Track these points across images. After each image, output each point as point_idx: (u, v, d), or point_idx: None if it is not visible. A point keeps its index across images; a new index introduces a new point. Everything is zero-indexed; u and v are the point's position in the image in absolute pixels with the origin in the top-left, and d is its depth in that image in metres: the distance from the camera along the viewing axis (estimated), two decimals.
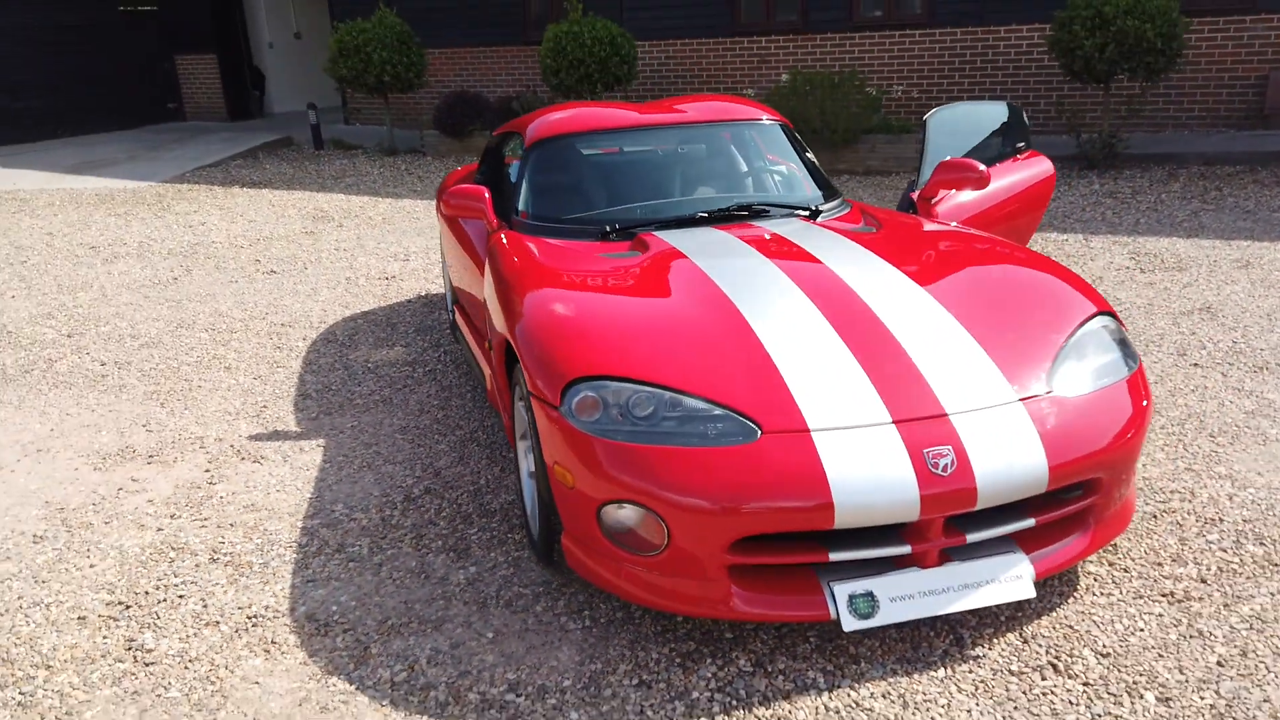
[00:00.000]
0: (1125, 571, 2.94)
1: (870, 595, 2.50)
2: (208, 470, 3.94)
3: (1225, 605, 2.75)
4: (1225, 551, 3.01)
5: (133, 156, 13.74)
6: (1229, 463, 3.58)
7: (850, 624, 2.47)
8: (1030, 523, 2.60)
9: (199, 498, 3.71)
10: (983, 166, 4.11)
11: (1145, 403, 2.79)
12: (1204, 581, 2.87)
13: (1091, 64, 8.72)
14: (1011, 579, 2.57)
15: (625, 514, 2.55)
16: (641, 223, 3.82)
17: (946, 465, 2.45)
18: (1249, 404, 4.09)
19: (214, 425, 4.40)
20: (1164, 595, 2.81)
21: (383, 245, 7.99)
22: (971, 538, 2.55)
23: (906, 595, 2.51)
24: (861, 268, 3.18)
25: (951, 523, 2.56)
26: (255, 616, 2.93)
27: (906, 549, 2.51)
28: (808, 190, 4.20)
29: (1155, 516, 3.24)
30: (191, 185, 11.38)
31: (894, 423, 2.53)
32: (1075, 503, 2.67)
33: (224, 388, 4.87)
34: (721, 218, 3.86)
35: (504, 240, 3.83)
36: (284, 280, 6.97)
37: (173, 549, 3.33)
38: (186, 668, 2.70)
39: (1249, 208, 7.64)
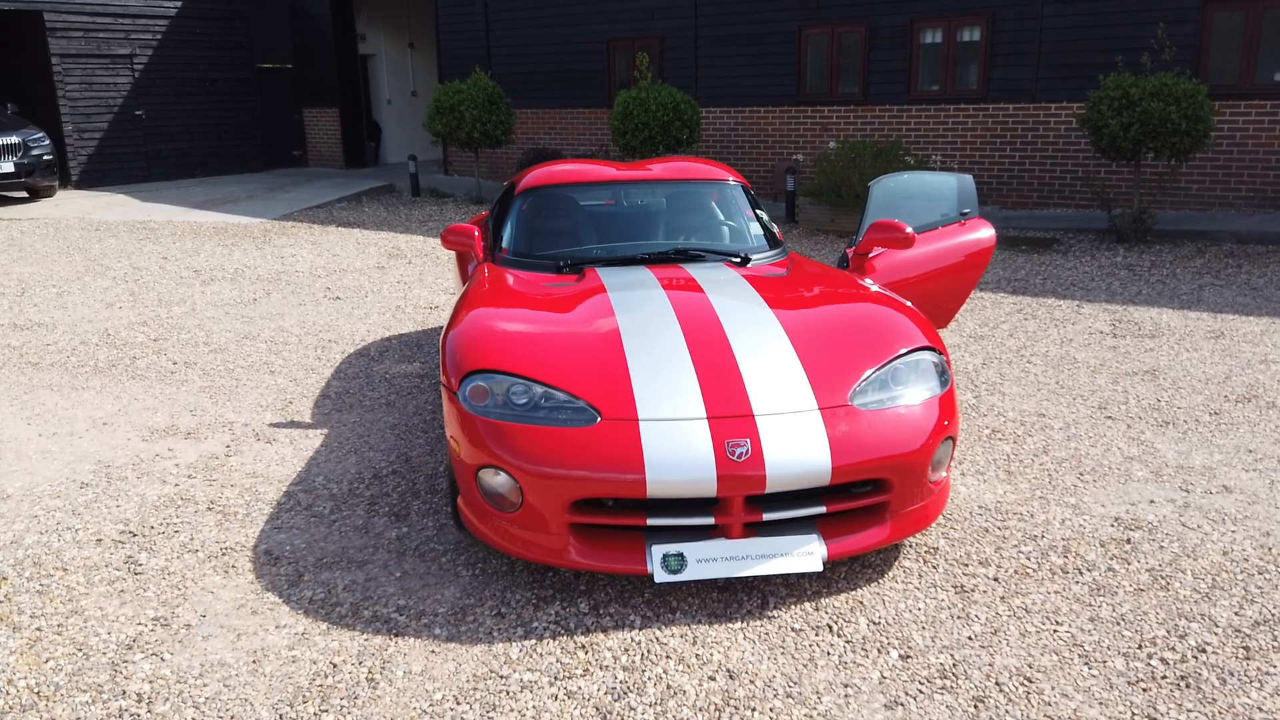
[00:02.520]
0: (934, 568, 3.44)
1: (681, 555, 3.10)
2: (228, 446, 4.79)
3: (1002, 598, 3.23)
4: (1029, 560, 3.48)
5: (252, 196, 15.30)
6: (1080, 495, 4.01)
7: (661, 576, 3.07)
8: (821, 509, 3.16)
9: (215, 465, 4.55)
10: (909, 228, 4.67)
11: (946, 422, 3.32)
12: (996, 580, 3.35)
13: (1118, 142, 9.06)
14: (803, 554, 3.13)
15: (495, 479, 3.23)
16: (591, 261, 4.54)
17: (742, 454, 3.05)
18: (1134, 450, 4.48)
19: (245, 414, 5.28)
20: (955, 586, 3.31)
21: (440, 281, 8.92)
22: (767, 516, 3.13)
23: (711, 558, 3.10)
24: (733, 299, 3.81)
25: (752, 503, 3.14)
26: (226, 549, 3.71)
27: (711, 520, 3.10)
28: (748, 242, 4.84)
29: (987, 530, 3.72)
30: (295, 223, 12.70)
31: (707, 418, 3.14)
32: (866, 498, 3.21)
33: (263, 387, 5.77)
34: (659, 260, 4.54)
35: (484, 271, 4.59)
36: (344, 305, 7.95)
37: (182, 499, 4.17)
38: (164, 579, 3.49)
39: (1257, 285, 7.84)
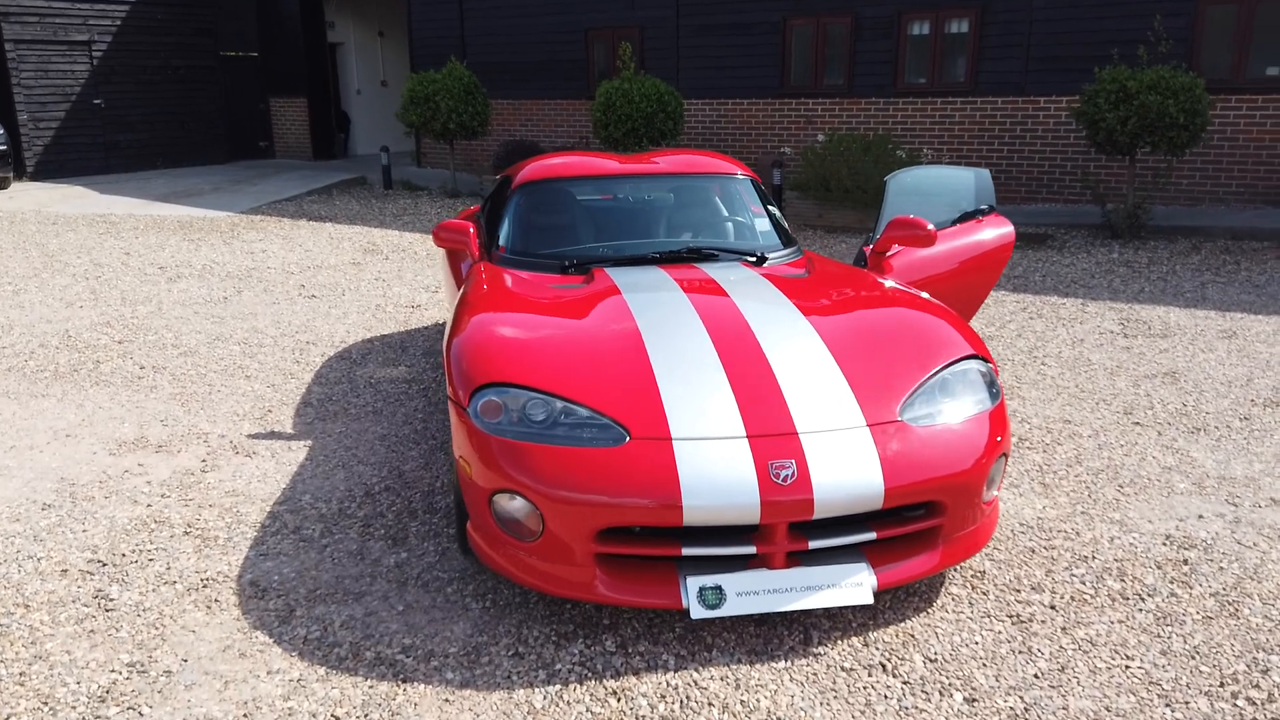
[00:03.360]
0: (984, 594, 3.18)
1: (719, 589, 2.82)
2: (204, 461, 4.43)
3: (1063, 629, 2.98)
4: (1084, 584, 3.23)
5: (218, 188, 14.78)
6: (1125, 510, 3.78)
7: (698, 612, 2.78)
8: (871, 535, 2.89)
9: (190, 482, 4.19)
10: (930, 225, 4.42)
11: (999, 438, 3.06)
12: (1053, 608, 3.10)
13: (1114, 136, 8.90)
14: (851, 585, 2.85)
15: (512, 504, 2.92)
16: (599, 260, 4.23)
17: (788, 476, 2.77)
18: (1170, 460, 4.26)
19: (221, 424, 4.91)
20: (1010, 616, 3.05)
21: (420, 277, 8.56)
22: (814, 544, 2.85)
23: (752, 591, 2.82)
24: (762, 304, 3.53)
25: (796, 530, 2.87)
26: (208, 580, 3.36)
27: (752, 549, 2.82)
28: (760, 239, 4.56)
29: (1033, 551, 3.47)
30: (264, 217, 12.24)
31: (747, 437, 2.86)
32: (918, 522, 2.95)
33: (239, 393, 5.40)
34: (671, 259, 4.24)
35: (481, 271, 4.27)
36: (320, 304, 7.57)
37: (155, 522, 3.81)
38: (139, 616, 3.14)
39: (1259, 282, 7.70)
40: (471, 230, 4.55)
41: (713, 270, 4.04)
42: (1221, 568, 3.32)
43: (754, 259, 4.30)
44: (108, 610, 3.17)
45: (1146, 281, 7.86)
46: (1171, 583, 3.23)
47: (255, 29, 18.29)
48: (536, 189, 4.75)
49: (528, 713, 2.64)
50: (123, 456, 4.49)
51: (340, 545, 3.61)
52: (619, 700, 2.68)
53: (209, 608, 3.18)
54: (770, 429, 2.88)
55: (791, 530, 2.85)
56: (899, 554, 2.97)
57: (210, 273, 8.83)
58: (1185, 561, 3.37)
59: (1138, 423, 4.74)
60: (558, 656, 2.88)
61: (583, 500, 2.78)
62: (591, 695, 2.70)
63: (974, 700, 2.65)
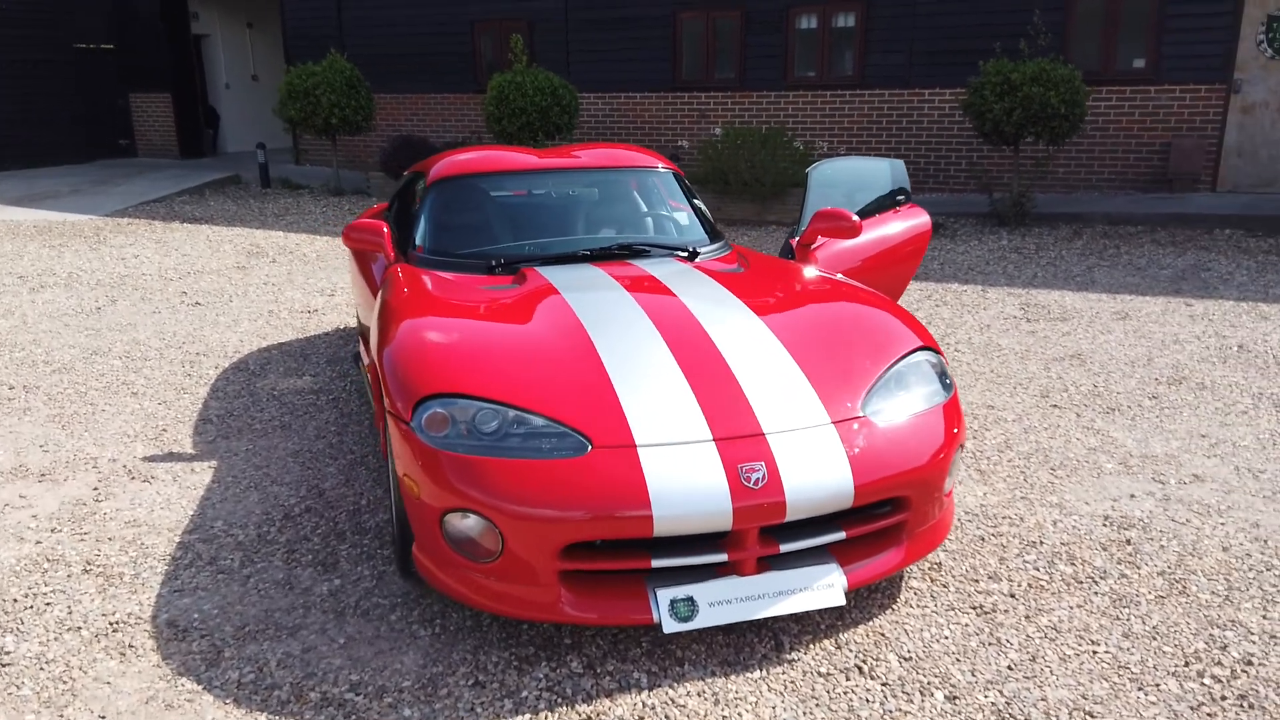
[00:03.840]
0: (944, 587, 3.16)
1: (690, 600, 2.69)
2: (96, 489, 4.05)
3: (1027, 617, 2.98)
4: (1039, 570, 3.25)
5: (77, 190, 13.79)
6: (1061, 493, 3.84)
7: (670, 626, 2.66)
8: (841, 535, 2.82)
9: (83, 514, 3.81)
10: (855, 216, 4.39)
11: (956, 430, 3.04)
12: (1013, 596, 3.10)
13: (1000, 127, 9.19)
14: (824, 587, 2.78)
15: (465, 523, 2.73)
16: (527, 259, 4.05)
17: (759, 479, 2.67)
18: (1093, 441, 4.37)
19: (110, 447, 4.50)
20: (974, 608, 3.04)
21: (312, 280, 8.14)
22: (785, 547, 2.76)
23: (725, 600, 2.70)
24: (710, 302, 3.42)
25: (766, 533, 2.77)
26: (117, 623, 3.04)
27: (724, 557, 2.71)
28: (690, 234, 4.45)
29: (983, 539, 3.48)
30: (132, 220, 11.47)
31: (714, 440, 2.74)
32: (885, 518, 2.89)
33: (127, 412, 4.98)
34: (603, 256, 4.09)
35: (399, 273, 4.02)
36: (207, 312, 7.10)
37: (48, 560, 3.44)
38: (42, 669, 2.81)
39: (1140, 265, 8.07)
40: (385, 230, 4.29)
41: (650, 267, 3.91)
42: (1162, 546, 3.40)
43: (685, 254, 4.19)
44: (3, 665, 2.82)
45: (1038, 267, 8.14)
46: (1120, 564, 3.28)
47: (110, 19, 17.16)
48: (454, 185, 4.52)
49: None
50: (1, 488, 4.06)
51: (264, 575, 3.33)
52: None
53: (123, 655, 2.87)
54: (736, 431, 2.77)
55: (762, 535, 2.76)
56: (866, 552, 2.91)
57: (78, 281, 8.19)
58: (1128, 542, 3.43)
59: (1055, 405, 4.86)
60: (521, 683, 2.71)
61: (545, 516, 2.61)
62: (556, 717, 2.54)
63: (955, 698, 2.60)
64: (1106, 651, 2.80)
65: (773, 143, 10.36)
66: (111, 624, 3.03)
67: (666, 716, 2.55)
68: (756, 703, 2.60)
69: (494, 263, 4.00)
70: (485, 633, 2.94)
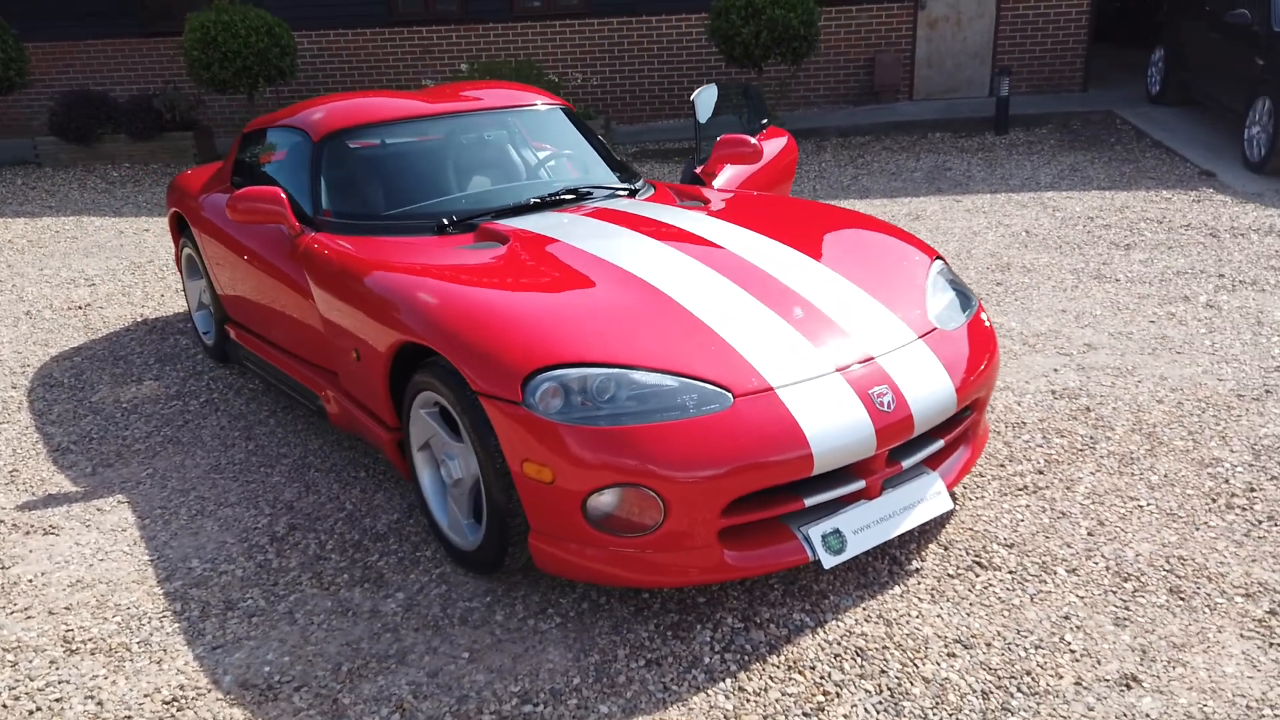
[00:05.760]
0: (981, 476, 3.43)
1: (838, 532, 2.71)
2: None
3: (1067, 488, 3.33)
4: (1042, 447, 3.62)
5: None
6: (1002, 376, 4.26)
7: (829, 561, 2.66)
8: (940, 444, 2.96)
9: (10, 587, 3.03)
10: (754, 140, 4.47)
11: (990, 327, 3.27)
12: (1041, 473, 3.44)
13: (750, 49, 9.63)
14: (934, 495, 2.91)
15: (611, 498, 2.53)
16: (476, 213, 3.71)
17: (889, 402, 2.72)
18: None
19: None
20: (1020, 490, 3.33)
21: (48, 271, 6.83)
22: (906, 464, 2.85)
23: (865, 526, 2.75)
24: (728, 235, 3.38)
25: (892, 455, 2.84)
26: (174, 700, 2.50)
27: (861, 484, 2.75)
28: (615, 171, 4.30)
29: None
30: None
31: (837, 371, 2.75)
32: (965, 421, 3.08)
33: None
34: (552, 202, 3.85)
35: (323, 248, 3.53)
36: None
37: (7, 650, 2.72)
38: None
39: (892, 170, 8.93)
40: (284, 197, 3.72)
41: (617, 206, 3.75)
42: (1115, 408, 3.91)
43: (627, 193, 4.06)
44: None
45: (811, 180, 8.74)
46: (1099, 429, 3.74)
47: None
48: (348, 138, 4.00)
49: (731, 710, 2.36)
50: None
51: (308, 606, 2.87)
52: (801, 672, 2.50)
53: None
54: (850, 359, 2.80)
55: (888, 457, 2.82)
56: (947, 456, 3.08)
57: None
58: (1089, 409, 3.91)
59: None
60: (693, 650, 2.60)
61: (709, 475, 2.49)
62: (768, 676, 2.49)
63: (1074, 570, 2.87)
64: (1150, 504, 3.20)
65: (525, 75, 10.10)
66: (166, 703, 2.48)
67: (857, 648, 2.58)
68: (920, 615, 2.70)
69: (445, 221, 3.63)
70: (610, 611, 2.77)
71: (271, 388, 4.52)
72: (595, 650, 2.62)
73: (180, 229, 5.06)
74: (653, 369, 2.62)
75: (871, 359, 2.82)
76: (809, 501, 2.67)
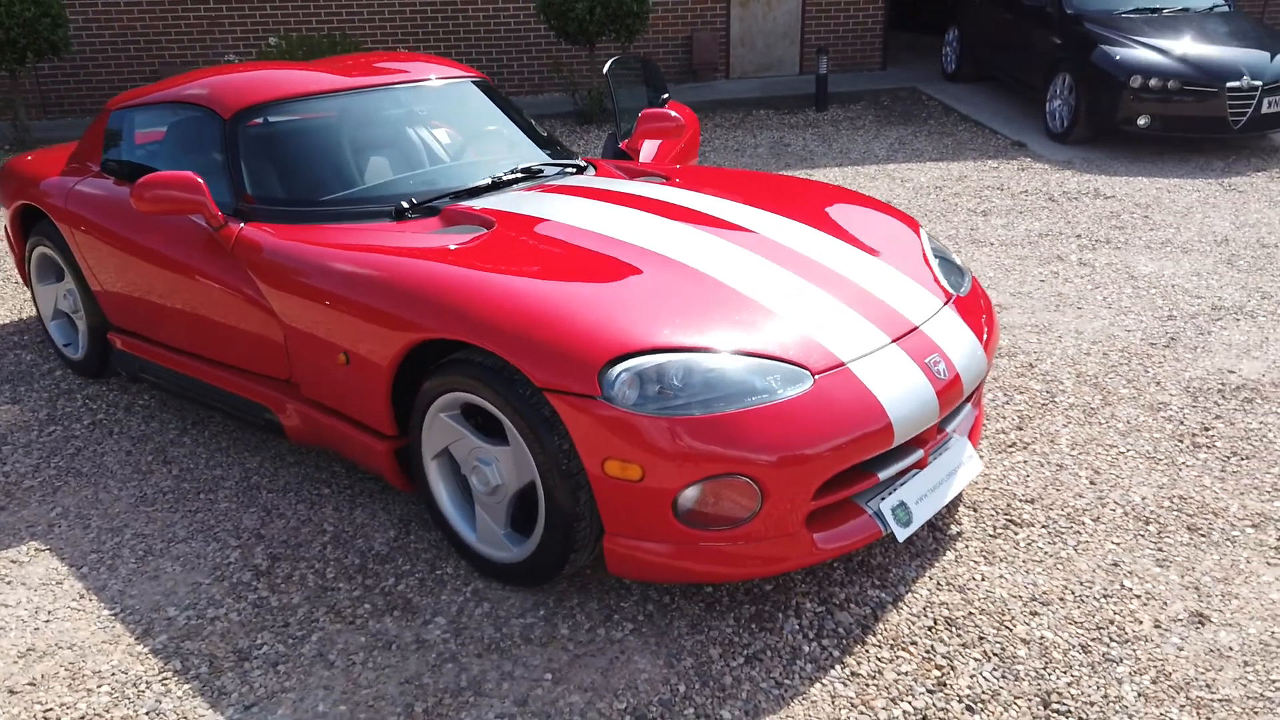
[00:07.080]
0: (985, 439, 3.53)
1: (903, 504, 2.69)
2: None
3: (1051, 442, 3.49)
4: (1010, 404, 3.78)
5: None
6: None
7: (902, 534, 2.64)
8: (969, 407, 3.01)
9: None
10: (674, 115, 4.38)
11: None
12: (1021, 429, 3.59)
13: (585, 26, 9.46)
14: (969, 459, 2.96)
15: (705, 491, 2.37)
16: (433, 195, 3.39)
17: (943, 368, 2.73)
18: None
19: None
20: (1011, 446, 3.46)
21: None
22: (949, 429, 2.88)
23: (923, 495, 2.75)
24: (746, 215, 3.27)
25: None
26: None
27: (920, 454, 2.74)
28: (548, 146, 4.07)
29: None
30: None
31: (894, 342, 2.72)
32: (980, 382, 3.15)
33: None
34: (507, 181, 3.59)
35: (260, 240, 3.12)
36: None
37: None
38: None
39: (735, 146, 9.08)
40: (203, 183, 3.24)
41: (583, 183, 3.54)
42: (1054, 364, 4.14)
43: (575, 170, 3.86)
44: None
45: None
46: (1048, 384, 3.94)
47: None
48: (264, 116, 3.54)
49: (855, 696, 2.28)
50: None
51: (338, 644, 2.52)
52: (905, 649, 2.46)
53: None
54: (900, 329, 2.77)
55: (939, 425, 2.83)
56: (964, 419, 3.14)
57: None
58: (1032, 365, 4.12)
59: None
60: (788, 640, 2.50)
61: (805, 457, 2.39)
62: (875, 657, 2.43)
63: (1098, 519, 3.01)
64: (1128, 450, 3.42)
65: (343, 48, 9.42)
66: None
67: (945, 618, 2.58)
68: (985, 579, 2.74)
69: (405, 205, 3.29)
70: (678, 611, 2.63)
71: (180, 402, 3.95)
72: (685, 653, 2.46)
73: (26, 225, 4.30)
74: (727, 351, 2.48)
75: (916, 328, 2.82)
76: (882, 475, 2.63)
